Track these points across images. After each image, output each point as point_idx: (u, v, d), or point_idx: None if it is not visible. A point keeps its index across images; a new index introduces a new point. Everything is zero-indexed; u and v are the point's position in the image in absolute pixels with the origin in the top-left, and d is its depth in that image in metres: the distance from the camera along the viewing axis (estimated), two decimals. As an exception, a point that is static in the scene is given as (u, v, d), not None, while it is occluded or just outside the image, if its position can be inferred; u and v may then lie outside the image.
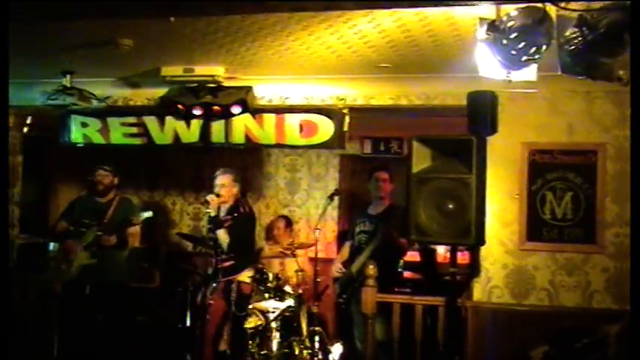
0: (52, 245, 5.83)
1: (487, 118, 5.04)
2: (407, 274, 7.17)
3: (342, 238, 7.78)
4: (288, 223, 8.17)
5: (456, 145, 4.76)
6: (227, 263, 6.04)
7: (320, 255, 8.17)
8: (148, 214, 6.36)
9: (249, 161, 8.32)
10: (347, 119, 5.60)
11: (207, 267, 6.21)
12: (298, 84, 5.62)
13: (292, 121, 5.67)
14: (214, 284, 6.06)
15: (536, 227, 5.23)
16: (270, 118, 5.70)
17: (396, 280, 6.52)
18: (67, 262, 6.20)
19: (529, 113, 5.23)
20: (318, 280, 7.37)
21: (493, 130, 5.08)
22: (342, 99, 5.59)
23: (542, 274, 5.21)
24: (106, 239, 6.16)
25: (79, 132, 6.10)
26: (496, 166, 5.16)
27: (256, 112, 5.66)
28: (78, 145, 6.13)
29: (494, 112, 5.11)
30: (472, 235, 4.59)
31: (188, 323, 6.55)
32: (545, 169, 5.23)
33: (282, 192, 8.67)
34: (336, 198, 7.70)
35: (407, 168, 4.87)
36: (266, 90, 5.72)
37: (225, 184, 6.00)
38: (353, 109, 5.71)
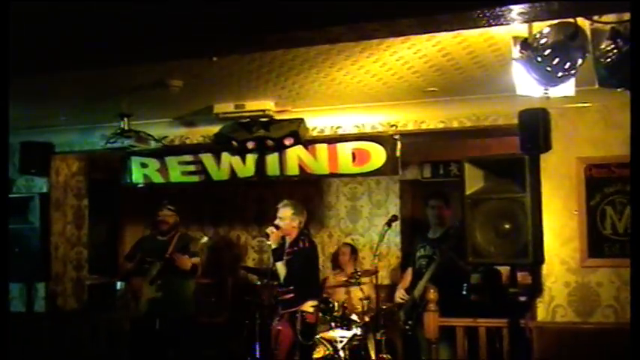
0: (119, 284, 6.00)
1: (539, 135, 5.00)
2: (473, 297, 7.10)
3: (405, 263, 7.76)
4: (353, 250, 8.20)
5: (508, 164, 4.74)
6: (287, 296, 6.09)
7: (385, 282, 8.22)
8: (205, 239, 6.49)
9: (311, 192, 8.39)
10: (399, 145, 5.61)
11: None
12: (349, 113, 5.67)
13: (344, 149, 5.71)
14: (278, 318, 6.11)
15: (598, 243, 5.12)
16: (322, 149, 5.75)
17: (462, 304, 6.47)
18: (134, 300, 6.36)
19: (583, 128, 5.16)
20: (384, 307, 7.38)
21: (547, 147, 5.03)
22: (393, 125, 5.61)
23: (607, 290, 5.09)
24: (180, 259, 6.28)
25: (139, 173, 6.27)
26: (552, 182, 5.12)
27: (308, 143, 5.73)
28: (139, 185, 6.31)
29: (547, 129, 5.07)
30: (530, 255, 4.55)
31: (258, 355, 6.60)
32: (603, 184, 5.13)
33: (343, 221, 8.71)
34: (397, 224, 7.70)
35: (460, 190, 4.87)
36: (317, 121, 5.80)
37: (284, 217, 6.08)
38: (405, 135, 5.72)
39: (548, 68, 2.94)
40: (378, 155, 5.64)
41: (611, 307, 5.07)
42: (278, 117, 5.57)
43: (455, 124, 5.51)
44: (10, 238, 4.63)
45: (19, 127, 6.20)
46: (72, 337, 6.38)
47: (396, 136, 5.61)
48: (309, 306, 6.22)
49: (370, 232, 8.59)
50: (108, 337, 6.43)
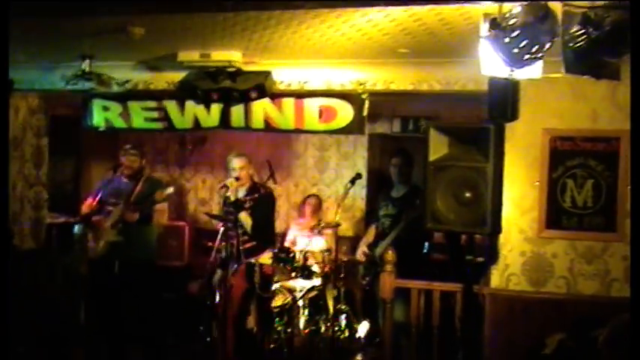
0: (76, 227, 5.93)
1: (507, 104, 4.93)
2: (435, 255, 7.15)
3: (369, 219, 7.78)
4: (319, 201, 8.20)
5: (473, 132, 4.71)
6: (248, 245, 6.07)
7: (348, 233, 8.25)
8: (170, 190, 6.42)
9: (279, 139, 8.32)
10: (367, 104, 5.55)
11: (228, 249, 6.24)
12: (317, 68, 5.57)
13: (311, 105, 5.64)
14: (235, 265, 6.09)
15: (556, 215, 5.13)
16: (289, 103, 5.67)
17: (422, 263, 6.51)
18: (95, 240, 6.31)
19: (551, 99, 5.10)
20: (345, 259, 7.41)
21: (514, 116, 4.96)
22: (362, 83, 5.52)
23: (561, 262, 5.12)
24: (129, 215, 6.26)
25: (100, 116, 6.15)
26: (516, 152, 5.09)
27: (275, 96, 5.64)
28: (100, 129, 6.19)
29: (515, 98, 4.99)
30: (488, 225, 4.55)
31: (217, 300, 6.62)
32: (567, 157, 5.11)
33: (310, 171, 8.68)
34: (364, 176, 7.72)
35: (423, 156, 4.84)
36: (285, 74, 5.69)
37: (242, 166, 6.02)
38: (373, 94, 5.64)
39: (516, 50, 2.89)
40: (345, 113, 5.59)
41: (563, 279, 5.12)
42: (245, 68, 5.45)
43: (424, 87, 5.45)
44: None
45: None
46: (28, 277, 6.32)
47: (364, 95, 5.53)
48: (267, 258, 6.23)
49: (337, 183, 8.59)
50: (65, 279, 6.39)
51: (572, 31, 2.89)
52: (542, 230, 5.16)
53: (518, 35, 2.86)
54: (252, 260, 6.02)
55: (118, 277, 6.40)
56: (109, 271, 6.35)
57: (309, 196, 8.28)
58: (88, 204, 6.56)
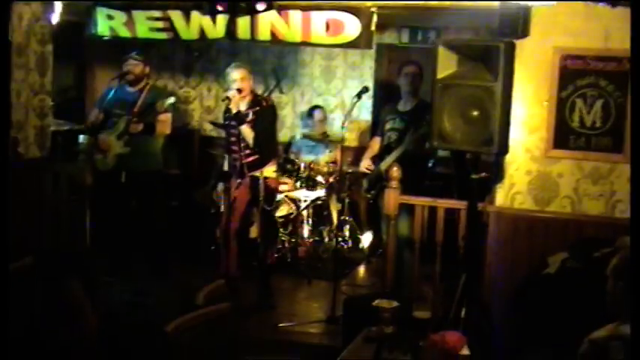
0: (81, 137, 5.93)
1: (519, 21, 4.87)
2: (439, 168, 7.18)
3: (375, 127, 7.76)
4: (324, 113, 8.17)
5: (482, 50, 4.63)
6: (251, 158, 6.06)
7: (353, 144, 8.27)
8: (171, 99, 6.41)
9: (285, 48, 8.20)
10: (375, 18, 5.43)
11: (230, 161, 6.25)
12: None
13: (318, 18, 5.51)
14: (239, 180, 6.11)
15: (564, 135, 5.08)
16: (295, 16, 5.55)
17: (427, 178, 6.53)
18: (102, 153, 6.33)
19: (563, 17, 4.98)
20: (349, 170, 7.45)
21: (524, 33, 4.92)
22: (371, -4, 5.40)
23: (567, 182, 5.11)
24: (133, 126, 6.27)
25: (105, 24, 6.06)
26: (525, 70, 5.03)
27: (282, 8, 5.53)
28: (104, 37, 6.11)
29: (527, 15, 4.93)
30: (495, 144, 4.54)
31: (221, 208, 6.69)
32: (577, 76, 5.02)
33: (317, 80, 8.61)
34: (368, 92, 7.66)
35: (432, 73, 4.77)
36: (292, -14, 5.57)
37: (243, 77, 5.95)
38: (382, 7, 5.52)
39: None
40: (352, 27, 5.47)
41: (568, 198, 5.12)
42: (252, -22, 5.34)
43: (435, 1, 5.30)
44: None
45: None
46: (33, 186, 6.36)
47: (374, 9, 5.41)
48: (271, 171, 6.23)
49: (343, 93, 8.58)
50: (70, 189, 6.43)
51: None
52: (549, 150, 5.13)
53: (532, -40, 2.76)
54: (257, 173, 6.01)
55: (124, 186, 6.46)
56: (116, 181, 6.41)
57: (313, 108, 8.25)
58: (94, 114, 6.56)
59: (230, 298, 4.57)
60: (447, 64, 4.70)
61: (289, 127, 8.64)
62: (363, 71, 8.47)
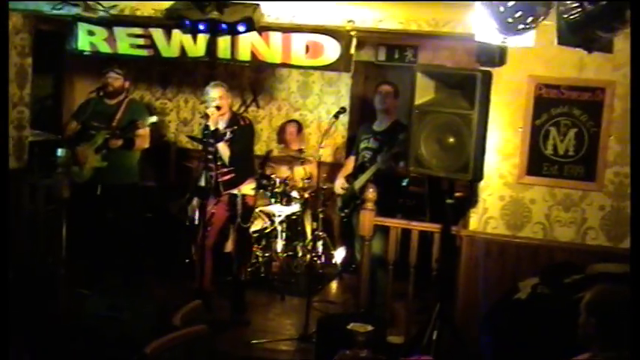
0: (60, 151, 5.91)
1: (496, 50, 4.95)
2: (412, 187, 7.25)
3: (351, 144, 7.83)
4: (300, 128, 8.24)
5: (460, 78, 4.72)
6: (227, 176, 6.11)
7: (328, 159, 8.31)
8: (153, 119, 6.44)
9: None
10: (354, 42, 5.51)
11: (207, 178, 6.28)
12: (306, 3, 5.50)
13: (299, 41, 5.58)
14: (216, 197, 6.14)
15: (537, 162, 5.20)
16: (276, 37, 5.61)
17: (401, 194, 6.59)
18: (78, 166, 6.33)
19: (539, 46, 5.07)
20: (324, 187, 7.51)
21: (502, 62, 4.99)
22: (351, 21, 5.46)
23: (539, 208, 5.23)
24: (113, 142, 6.28)
25: (86, 40, 6.07)
26: (501, 98, 5.13)
27: (262, 29, 5.58)
28: (85, 53, 6.13)
29: (504, 45, 5.02)
30: (470, 172, 4.63)
31: (196, 221, 6.70)
32: (551, 104, 5.14)
33: (293, 95, 8.66)
34: (346, 104, 7.73)
35: (409, 99, 4.85)
36: (273, 7, 5.60)
37: (222, 95, 6.00)
38: (361, 32, 5.60)
39: (510, 19, 2.88)
40: (332, 50, 5.56)
41: (540, 224, 5.24)
42: (233, -1, 5.40)
43: (413, 27, 5.40)
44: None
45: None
46: (11, 196, 6.35)
47: (353, 33, 5.49)
48: (249, 188, 6.29)
49: (319, 109, 8.62)
50: (47, 201, 6.41)
51: (567, 2, 2.89)
52: (523, 176, 5.25)
53: (513, 5, 2.85)
54: (235, 191, 6.07)
55: (100, 199, 6.47)
56: (92, 194, 6.41)
57: (288, 122, 8.31)
58: (71, 126, 6.55)
59: (206, 318, 4.64)
60: (424, 91, 4.79)
61: (265, 140, 8.67)
62: (339, 87, 8.53)
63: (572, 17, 2.87)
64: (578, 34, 2.88)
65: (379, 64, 8.45)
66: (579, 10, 2.83)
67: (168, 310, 5.83)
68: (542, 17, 2.89)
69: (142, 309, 5.62)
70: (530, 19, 2.87)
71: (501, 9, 2.89)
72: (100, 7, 5.62)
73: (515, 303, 4.89)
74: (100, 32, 6.00)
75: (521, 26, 2.90)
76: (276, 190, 7.63)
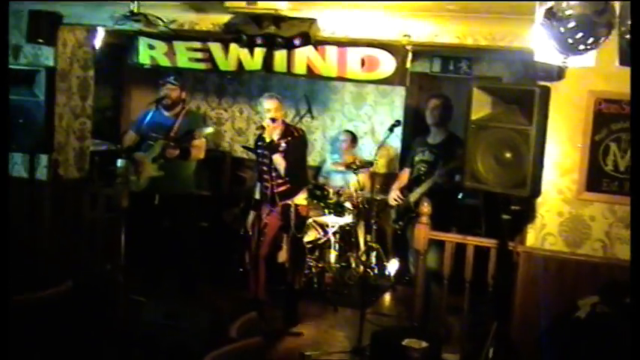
0: (119, 162, 6.05)
1: (554, 66, 4.89)
2: (468, 200, 7.21)
3: (405, 155, 7.83)
4: (354, 138, 8.26)
5: (517, 94, 4.68)
6: (282, 187, 6.17)
7: (382, 170, 8.32)
8: (209, 129, 6.54)
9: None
10: (410, 56, 5.50)
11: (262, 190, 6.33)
12: (363, 17, 5.52)
13: (354, 54, 5.59)
14: (270, 207, 6.20)
15: (597, 178, 5.10)
16: (332, 51, 5.63)
17: (456, 208, 6.56)
18: (136, 175, 6.46)
19: (598, 60, 5.01)
20: (378, 198, 7.52)
21: (560, 76, 4.94)
22: (407, 35, 5.45)
23: (599, 225, 5.13)
24: (170, 152, 6.38)
25: (146, 54, 6.19)
26: (560, 113, 5.05)
27: (318, 43, 5.61)
28: (145, 66, 6.26)
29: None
30: (527, 188, 4.57)
31: (250, 234, 6.76)
32: (611, 120, 5.04)
33: (347, 106, 8.70)
34: (400, 115, 7.72)
35: (466, 114, 4.83)
36: (329, 22, 5.62)
37: (276, 107, 6.07)
38: (417, 46, 5.59)
39: (571, 40, 2.85)
40: (387, 64, 5.53)
41: (600, 242, 5.14)
42: (290, 14, 5.43)
43: (469, 41, 5.34)
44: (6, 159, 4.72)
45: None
46: (72, 205, 6.53)
47: (409, 47, 5.48)
48: (302, 199, 6.35)
49: (373, 120, 8.62)
50: (107, 208, 6.57)
51: (629, 22, 2.85)
52: (582, 192, 5.15)
53: (574, 27, 2.83)
54: (288, 202, 6.13)
55: (157, 208, 6.58)
56: (150, 203, 6.52)
57: (343, 133, 8.35)
58: (129, 136, 6.69)
59: (260, 328, 4.68)
60: (481, 106, 4.75)
61: (319, 151, 8.72)
62: (393, 98, 8.55)
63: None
64: (640, 54, 2.84)
65: (433, 75, 8.42)
66: (642, 30, 2.79)
67: (224, 320, 5.94)
68: (603, 38, 2.86)
69: (197, 318, 5.71)
70: (591, 40, 2.84)
71: (562, 30, 2.86)
72: (161, 22, 5.71)
73: (574, 322, 4.82)
74: (160, 46, 6.12)
75: (582, 47, 2.87)
76: (329, 200, 7.67)
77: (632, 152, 2.92)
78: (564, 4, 2.86)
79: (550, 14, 2.91)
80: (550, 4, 2.92)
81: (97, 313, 5.50)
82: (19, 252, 5.63)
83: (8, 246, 4.24)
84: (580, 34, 2.83)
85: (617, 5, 2.85)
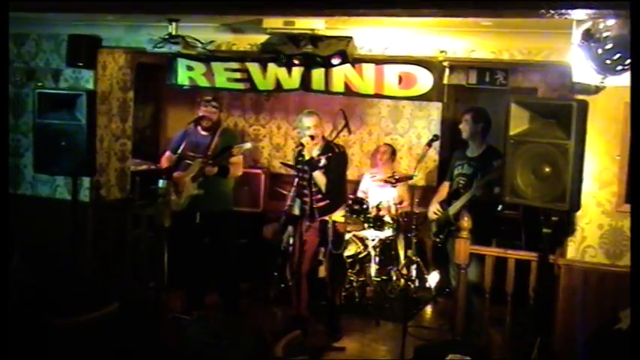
0: (160, 182, 6.17)
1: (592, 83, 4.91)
2: (507, 212, 7.19)
3: (443, 167, 7.86)
4: (392, 151, 8.32)
5: (555, 108, 4.69)
6: (322, 203, 6.22)
7: (420, 183, 8.35)
8: (248, 145, 6.63)
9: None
10: (447, 72, 5.55)
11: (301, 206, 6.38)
12: (399, 34, 5.58)
13: (391, 72, 5.64)
14: (309, 223, 6.25)
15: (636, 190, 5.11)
16: (369, 69, 5.69)
17: (495, 220, 6.56)
18: (177, 194, 6.57)
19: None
20: (417, 211, 7.55)
21: (597, 89, 4.95)
22: (443, 51, 5.50)
23: (639, 236, 5.13)
24: (208, 170, 6.49)
25: (184, 75, 6.30)
26: (598, 125, 5.06)
27: (355, 61, 5.67)
28: (184, 87, 6.36)
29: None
30: (567, 201, 4.59)
31: (290, 250, 6.83)
32: (650, 131, 5.05)
33: (384, 120, 8.76)
34: (437, 127, 7.73)
35: (504, 129, 4.86)
36: (366, 40, 5.70)
37: (316, 124, 6.13)
38: (454, 62, 5.64)
39: (608, 61, 2.89)
40: (424, 80, 5.59)
41: (640, 253, 5.13)
42: (327, 33, 5.51)
43: (505, 56, 5.39)
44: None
45: (66, 20, 6.23)
46: (114, 225, 6.65)
47: (445, 63, 5.53)
48: (340, 215, 6.39)
49: (410, 133, 8.68)
50: (149, 228, 6.68)
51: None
52: (621, 204, 5.15)
53: (611, 47, 2.86)
54: (326, 218, 6.19)
55: (199, 227, 6.67)
56: (191, 222, 6.62)
57: (381, 146, 8.39)
58: (167, 157, 6.80)
59: (303, 344, 4.74)
60: (519, 120, 4.78)
61: (357, 165, 8.77)
62: (430, 111, 8.57)
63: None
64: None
65: (470, 87, 8.43)
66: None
67: (267, 338, 6.00)
68: (641, 58, 2.89)
69: (241, 336, 5.78)
70: (628, 62, 2.87)
71: (599, 51, 2.90)
72: (199, 44, 5.83)
73: (616, 333, 4.81)
74: (199, 67, 6.22)
75: (619, 67, 2.90)
76: (368, 214, 7.71)
77: (630, 156, 2.90)
78: (602, 25, 2.89)
79: (588, 36, 2.95)
80: (587, 25, 2.95)
81: (143, 333, 5.60)
82: (63, 274, 5.79)
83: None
84: (617, 55, 2.86)
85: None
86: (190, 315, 6.43)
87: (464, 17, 3.48)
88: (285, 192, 7.67)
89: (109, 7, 4.47)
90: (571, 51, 3.22)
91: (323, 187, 6.16)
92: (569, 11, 2.54)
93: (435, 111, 8.54)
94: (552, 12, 2.54)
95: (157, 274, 6.47)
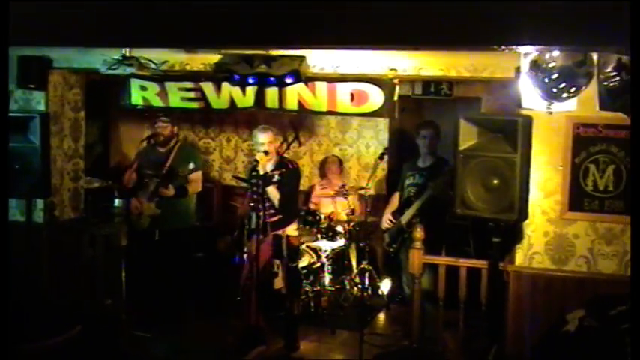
0: (117, 202, 6.23)
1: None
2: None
3: (392, 176, 8.05)
4: (340, 163, 8.48)
5: (502, 124, 4.92)
6: (275, 218, 6.35)
7: (369, 192, 8.51)
8: (190, 166, 6.71)
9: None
10: (397, 89, 5.72)
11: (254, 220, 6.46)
12: (350, 53, 5.74)
13: (344, 89, 5.79)
14: (262, 237, 6.34)
15: (578, 198, 5.39)
16: (322, 87, 5.82)
17: (445, 230, 6.77)
18: (137, 215, 6.62)
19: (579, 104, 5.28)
20: (368, 220, 7.73)
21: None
22: (393, 69, 5.69)
23: (582, 242, 5.41)
24: (163, 192, 6.57)
25: (138, 95, 6.32)
26: (541, 138, 5.33)
27: (308, 79, 5.80)
28: (138, 107, 6.40)
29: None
30: (515, 212, 4.82)
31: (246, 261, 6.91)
32: (589, 143, 5.33)
33: (333, 131, 8.91)
34: (385, 137, 7.89)
35: (454, 144, 5.06)
36: (318, 58, 5.85)
37: (270, 140, 6.26)
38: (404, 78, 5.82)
39: (554, 89, 3.09)
40: (376, 97, 5.72)
41: (584, 258, 5.42)
42: (280, 53, 5.64)
43: (453, 73, 5.61)
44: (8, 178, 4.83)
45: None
46: (70, 246, 6.65)
47: (396, 80, 5.70)
48: (293, 229, 6.53)
49: (359, 143, 8.85)
50: (105, 247, 6.70)
51: (607, 70, 3.10)
52: (565, 212, 5.44)
53: (557, 77, 3.07)
54: (279, 232, 6.32)
55: (157, 243, 6.73)
56: (149, 239, 6.68)
57: (329, 157, 8.57)
58: (127, 176, 6.83)
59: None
60: (468, 136, 4.99)
61: (307, 176, 8.91)
62: (377, 121, 8.75)
63: (611, 84, 3.07)
64: (617, 100, 3.09)
65: (416, 97, 8.65)
66: (618, 78, 3.04)
67: (229, 351, 6.10)
68: (583, 87, 3.10)
69: (204, 351, 5.87)
70: (573, 89, 3.08)
71: (546, 80, 3.10)
72: (152, 65, 5.90)
73: (563, 335, 5.07)
74: (152, 87, 6.25)
75: (564, 95, 3.11)
76: (322, 225, 7.86)
77: (632, 162, 3.12)
78: (547, 56, 3.10)
79: (534, 66, 3.15)
80: (534, 55, 3.15)
81: (105, 354, 5.63)
82: (19, 297, 5.78)
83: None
84: (563, 84, 3.07)
85: (595, 56, 3.09)
86: (150, 332, 6.48)
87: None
88: (237, 205, 7.79)
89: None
90: (520, 79, 3.43)
91: (276, 202, 6.29)
92: (516, 47, 2.73)
93: (382, 121, 8.72)
94: (502, 48, 2.73)
95: (115, 292, 6.52)
